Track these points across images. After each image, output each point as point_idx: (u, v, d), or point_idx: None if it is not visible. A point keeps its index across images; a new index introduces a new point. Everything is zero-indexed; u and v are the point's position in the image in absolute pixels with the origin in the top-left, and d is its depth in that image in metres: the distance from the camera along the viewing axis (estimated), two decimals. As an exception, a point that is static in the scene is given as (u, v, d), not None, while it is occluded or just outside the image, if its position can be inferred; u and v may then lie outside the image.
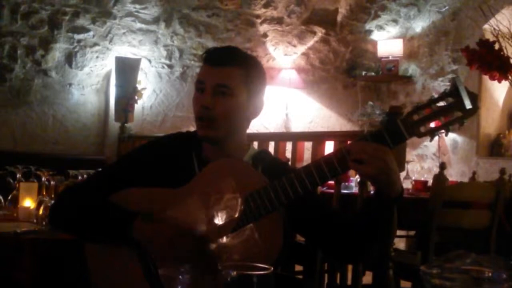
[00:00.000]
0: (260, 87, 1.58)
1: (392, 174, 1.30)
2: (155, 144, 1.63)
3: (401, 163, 2.91)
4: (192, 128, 1.64)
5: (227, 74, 1.50)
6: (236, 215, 1.36)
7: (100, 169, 1.70)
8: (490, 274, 0.66)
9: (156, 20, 5.45)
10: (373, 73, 5.97)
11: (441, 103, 1.28)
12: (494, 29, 4.51)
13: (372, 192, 1.72)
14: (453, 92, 1.25)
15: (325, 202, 1.60)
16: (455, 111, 1.26)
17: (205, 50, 1.58)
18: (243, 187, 1.38)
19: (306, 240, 1.74)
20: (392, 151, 1.30)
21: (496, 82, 4.40)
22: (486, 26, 4.94)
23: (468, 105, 1.24)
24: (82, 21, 5.15)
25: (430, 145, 5.42)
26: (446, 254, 0.71)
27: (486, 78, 4.59)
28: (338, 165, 1.30)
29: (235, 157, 1.54)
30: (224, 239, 1.35)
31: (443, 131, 1.30)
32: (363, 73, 6.03)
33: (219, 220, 1.37)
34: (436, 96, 1.29)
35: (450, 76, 5.36)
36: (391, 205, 1.38)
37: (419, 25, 5.71)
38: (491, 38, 4.34)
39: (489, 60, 4.02)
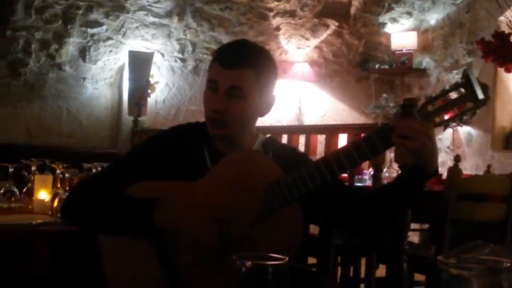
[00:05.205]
0: (272, 84, 1.55)
1: (434, 150, 1.36)
2: (165, 136, 1.58)
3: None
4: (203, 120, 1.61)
5: (240, 77, 1.46)
6: (257, 207, 1.36)
7: (110, 163, 1.65)
8: (508, 264, 0.66)
9: (169, 14, 5.45)
10: (386, 66, 5.93)
11: (454, 94, 1.31)
12: (510, 21, 4.47)
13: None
14: (465, 83, 1.28)
15: (341, 182, 1.61)
16: (467, 101, 1.29)
17: (217, 49, 1.55)
18: (261, 179, 1.38)
19: (328, 221, 1.73)
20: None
21: (511, 74, 4.36)
22: (501, 18, 4.89)
23: (480, 95, 1.27)
24: (95, 15, 5.17)
25: (444, 139, 5.37)
26: (463, 245, 0.71)
27: (501, 70, 4.54)
28: (380, 143, 1.32)
29: (249, 149, 1.54)
30: (245, 231, 1.35)
31: (455, 124, 1.33)
32: (377, 66, 5.99)
33: (239, 212, 1.36)
34: (448, 87, 1.32)
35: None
36: (426, 181, 1.42)
37: (433, 18, 5.66)
38: (507, 30, 4.30)
39: (504, 52, 3.98)
